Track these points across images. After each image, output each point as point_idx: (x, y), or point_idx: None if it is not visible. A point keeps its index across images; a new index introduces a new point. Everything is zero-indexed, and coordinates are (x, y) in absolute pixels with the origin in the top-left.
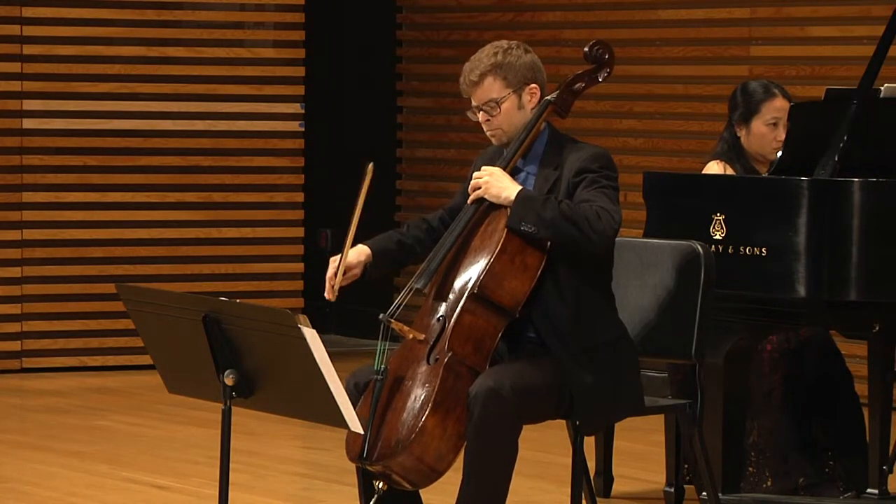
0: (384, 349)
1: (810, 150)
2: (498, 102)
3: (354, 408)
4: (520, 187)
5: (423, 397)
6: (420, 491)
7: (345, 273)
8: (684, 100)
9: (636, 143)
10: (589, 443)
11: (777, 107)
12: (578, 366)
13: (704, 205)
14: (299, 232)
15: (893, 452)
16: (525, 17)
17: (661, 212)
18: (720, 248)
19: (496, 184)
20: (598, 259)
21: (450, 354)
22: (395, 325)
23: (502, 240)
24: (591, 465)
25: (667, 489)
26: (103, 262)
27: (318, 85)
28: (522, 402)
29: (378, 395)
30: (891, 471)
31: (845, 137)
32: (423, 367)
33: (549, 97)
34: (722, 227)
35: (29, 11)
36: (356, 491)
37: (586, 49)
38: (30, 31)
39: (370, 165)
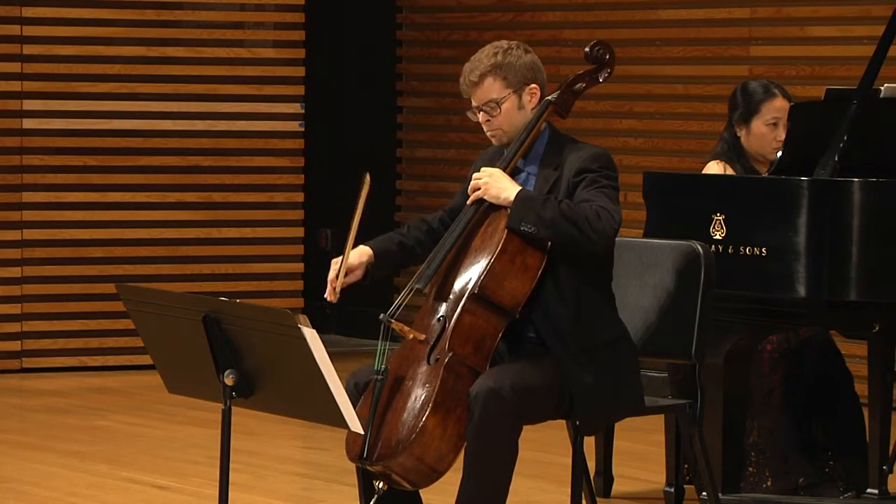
0: (384, 349)
1: (810, 150)
2: (498, 103)
3: (354, 408)
4: (519, 188)
5: (423, 397)
6: (420, 491)
7: (346, 275)
8: (684, 100)
9: (636, 143)
10: (589, 443)
11: (777, 107)
12: (578, 366)
13: (704, 205)
14: (299, 232)
15: (893, 452)
16: (525, 17)
17: (661, 212)
18: (720, 248)
19: (496, 184)
20: (599, 259)
21: (450, 355)
22: (396, 325)
23: (502, 240)
24: (591, 465)
25: (667, 489)
26: (103, 262)
27: (318, 85)
28: (523, 403)
29: (378, 396)
30: (891, 471)
31: (845, 137)
32: (424, 368)
33: (549, 97)
34: (722, 227)
35: (29, 11)
36: (356, 491)
37: (587, 49)
38: (30, 31)
39: (367, 176)
